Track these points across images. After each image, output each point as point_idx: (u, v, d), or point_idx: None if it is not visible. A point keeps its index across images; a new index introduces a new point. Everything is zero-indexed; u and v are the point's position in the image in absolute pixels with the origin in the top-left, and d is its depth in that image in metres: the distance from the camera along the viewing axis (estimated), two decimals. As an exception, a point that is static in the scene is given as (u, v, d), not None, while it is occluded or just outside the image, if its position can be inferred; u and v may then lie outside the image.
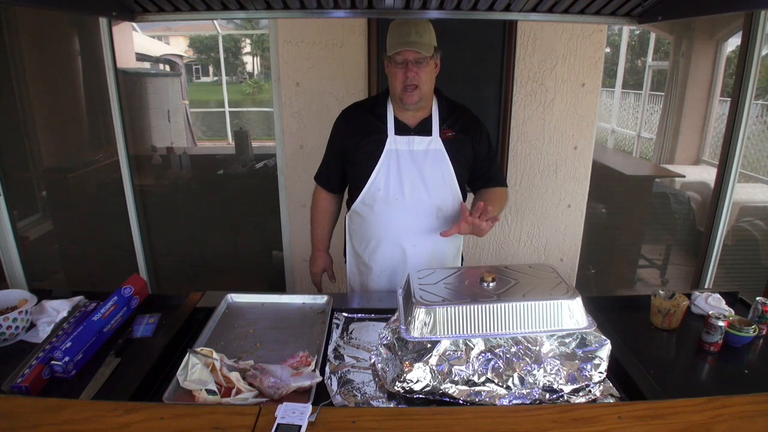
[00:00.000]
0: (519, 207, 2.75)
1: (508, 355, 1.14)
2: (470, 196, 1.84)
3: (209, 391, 1.13)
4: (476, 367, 1.13)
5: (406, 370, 1.13)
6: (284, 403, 1.01)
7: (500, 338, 1.15)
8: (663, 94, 4.56)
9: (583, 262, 2.95)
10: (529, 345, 1.16)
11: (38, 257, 3.17)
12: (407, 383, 1.13)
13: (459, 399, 1.12)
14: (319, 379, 1.18)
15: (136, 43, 4.51)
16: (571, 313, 1.14)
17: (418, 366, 1.12)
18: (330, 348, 1.34)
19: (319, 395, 1.15)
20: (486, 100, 2.55)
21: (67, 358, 1.24)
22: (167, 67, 6.45)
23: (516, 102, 2.57)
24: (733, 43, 3.67)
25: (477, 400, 1.12)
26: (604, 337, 1.19)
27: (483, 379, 1.12)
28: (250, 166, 3.43)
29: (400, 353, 1.17)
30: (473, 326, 1.13)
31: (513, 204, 2.73)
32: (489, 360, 1.13)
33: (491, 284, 1.23)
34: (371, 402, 1.15)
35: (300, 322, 1.50)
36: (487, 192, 1.77)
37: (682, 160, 4.04)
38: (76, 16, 3.02)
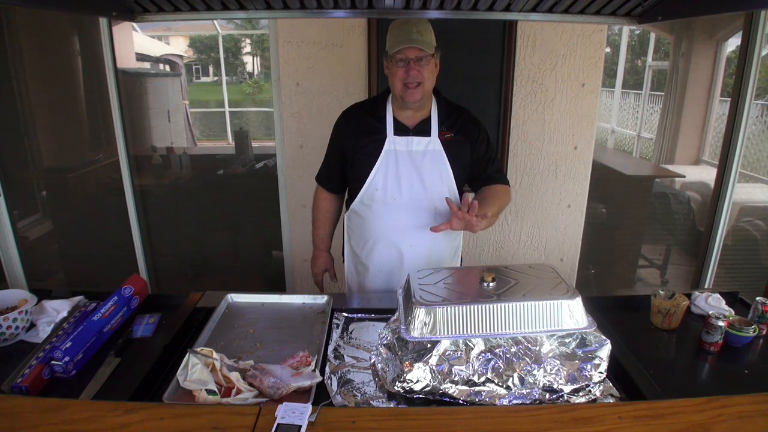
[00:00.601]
0: (519, 207, 2.75)
1: (508, 355, 1.14)
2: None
3: (209, 391, 1.13)
4: (476, 367, 1.13)
5: (406, 370, 1.13)
6: (284, 403, 1.01)
7: (500, 338, 1.15)
8: (663, 94, 4.56)
9: (583, 262, 2.95)
10: (529, 345, 1.16)
11: (38, 257, 3.17)
12: (407, 383, 1.13)
13: (459, 399, 1.12)
14: (319, 379, 1.18)
15: (136, 43, 4.51)
16: (571, 313, 1.14)
17: (418, 366, 1.12)
18: (330, 348, 1.34)
19: (319, 395, 1.15)
20: (486, 100, 2.55)
21: (67, 358, 1.24)
22: (167, 67, 6.45)
23: (516, 102, 2.57)
24: (733, 43, 3.67)
25: (477, 400, 1.12)
26: (604, 337, 1.19)
27: (483, 379, 1.12)
28: (250, 166, 3.43)
29: (400, 353, 1.17)
30: (473, 326, 1.13)
31: (513, 204, 2.72)
32: (489, 360, 1.13)
33: (491, 284, 1.23)
34: (371, 402, 1.15)
35: (300, 322, 1.50)
36: (487, 189, 1.76)
37: (682, 160, 4.04)
38: (76, 16, 3.02)
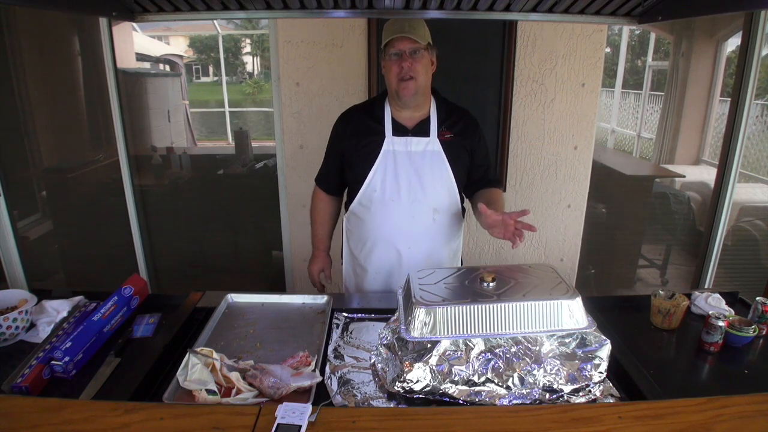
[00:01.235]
0: (519, 207, 2.73)
1: (508, 355, 1.14)
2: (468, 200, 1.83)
3: (209, 391, 1.13)
4: (476, 367, 1.13)
5: (406, 370, 1.13)
6: (284, 403, 1.01)
7: (500, 338, 1.15)
8: (663, 94, 4.56)
9: (583, 262, 2.95)
10: (529, 345, 1.16)
11: (38, 257, 3.18)
12: (407, 383, 1.13)
13: (459, 399, 1.12)
14: (319, 379, 1.18)
15: (136, 43, 4.50)
16: (571, 313, 1.14)
17: (418, 366, 1.12)
18: (330, 348, 1.34)
19: (319, 395, 1.15)
20: (486, 100, 2.55)
21: (67, 358, 1.24)
22: (167, 67, 6.45)
23: (516, 102, 2.57)
24: (733, 43, 3.67)
25: (477, 400, 1.12)
26: (604, 337, 1.19)
27: (483, 379, 1.12)
28: (250, 166, 3.43)
29: (400, 353, 1.17)
30: (473, 326, 1.13)
31: (513, 204, 2.72)
32: (489, 360, 1.13)
33: (491, 284, 1.23)
34: (371, 402, 1.15)
35: (300, 322, 1.50)
36: (488, 192, 1.74)
37: (682, 160, 4.04)
38: (76, 16, 3.02)
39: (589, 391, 1.15)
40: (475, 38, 2.46)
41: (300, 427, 0.95)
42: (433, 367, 1.13)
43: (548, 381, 1.13)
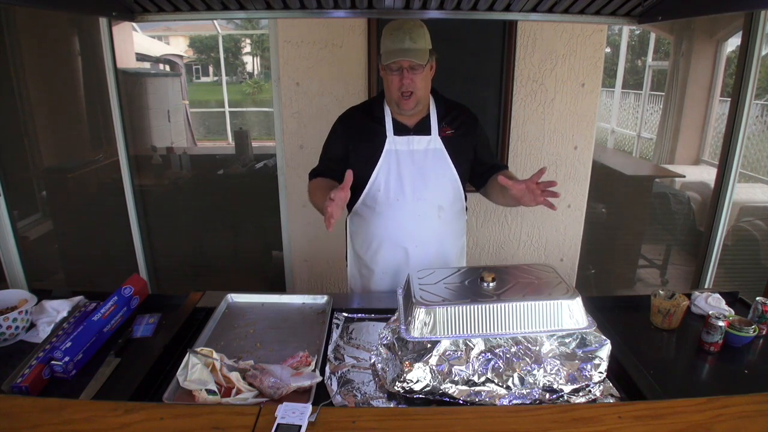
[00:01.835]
0: (519, 207, 2.73)
1: (508, 355, 1.14)
2: (471, 193, 1.83)
3: (209, 391, 1.13)
4: (476, 367, 1.13)
5: (406, 370, 1.13)
6: (284, 403, 1.01)
7: (500, 338, 1.15)
8: (663, 94, 4.56)
9: (583, 262, 2.95)
10: (529, 345, 1.16)
11: (38, 257, 3.17)
12: (407, 383, 1.13)
13: (459, 399, 1.12)
14: (319, 379, 1.18)
15: (136, 43, 4.51)
16: (571, 313, 1.14)
17: (418, 366, 1.12)
18: (330, 348, 1.34)
19: (319, 395, 1.15)
20: (486, 100, 2.55)
21: (67, 358, 1.24)
22: (167, 67, 6.45)
23: (516, 102, 2.57)
24: (733, 43, 3.67)
25: (477, 400, 1.12)
26: (604, 337, 1.19)
27: (483, 379, 1.12)
28: (250, 166, 3.43)
29: (400, 353, 1.17)
30: (473, 326, 1.13)
31: (513, 204, 2.72)
32: (489, 360, 1.13)
33: (491, 284, 1.23)
34: (371, 402, 1.15)
35: (300, 322, 1.50)
36: (501, 173, 1.68)
37: (682, 160, 4.04)
38: (76, 16, 3.02)
39: (589, 391, 1.15)
40: (475, 38, 2.46)
41: (300, 427, 0.95)
42: (433, 367, 1.13)
43: (548, 381, 1.13)
